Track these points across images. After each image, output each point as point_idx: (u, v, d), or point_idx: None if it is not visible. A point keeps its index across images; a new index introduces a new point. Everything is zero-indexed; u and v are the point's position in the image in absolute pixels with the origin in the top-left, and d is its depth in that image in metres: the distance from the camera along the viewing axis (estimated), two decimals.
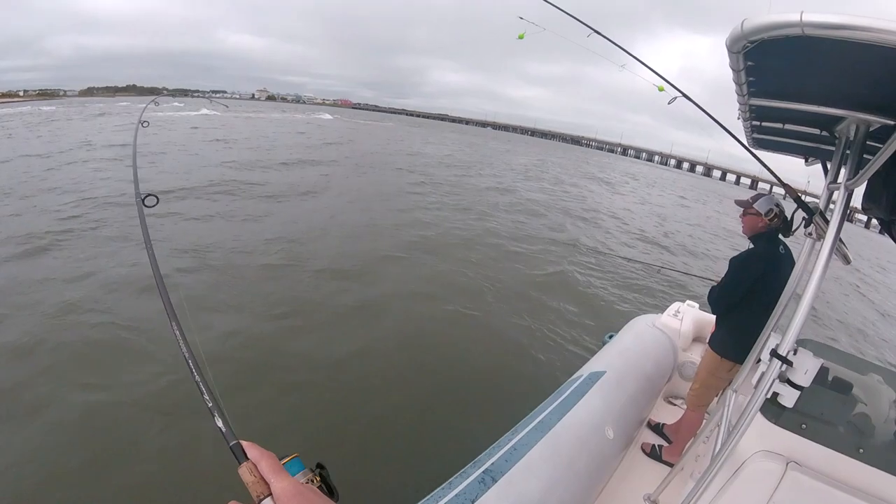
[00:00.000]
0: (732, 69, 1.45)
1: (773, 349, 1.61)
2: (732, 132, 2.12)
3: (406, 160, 24.06)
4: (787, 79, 1.55)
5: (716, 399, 3.22)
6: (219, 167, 15.98)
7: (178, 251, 7.55)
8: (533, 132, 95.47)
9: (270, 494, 0.62)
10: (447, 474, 2.21)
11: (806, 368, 1.57)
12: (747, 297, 2.80)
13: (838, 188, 1.72)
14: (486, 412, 4.26)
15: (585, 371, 3.25)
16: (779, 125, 2.18)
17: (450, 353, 5.51)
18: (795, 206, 2.01)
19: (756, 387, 1.67)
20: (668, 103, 2.11)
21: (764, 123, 2.21)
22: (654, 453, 3.33)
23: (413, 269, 8.17)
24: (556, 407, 2.74)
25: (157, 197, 1.75)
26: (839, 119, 1.79)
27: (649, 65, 2.29)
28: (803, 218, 1.96)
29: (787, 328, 1.61)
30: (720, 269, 3.60)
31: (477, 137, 59.13)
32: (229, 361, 4.70)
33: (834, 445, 1.66)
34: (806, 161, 2.73)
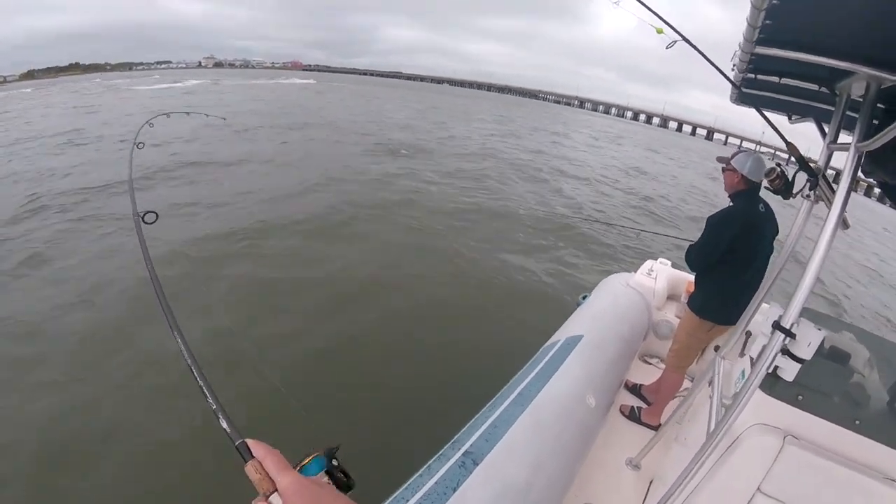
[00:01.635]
0: (754, 7, 1.32)
1: (775, 321, 1.54)
2: (734, 81, 1.97)
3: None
4: (806, 25, 1.44)
5: (695, 360, 3.21)
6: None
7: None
8: (490, 87, 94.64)
9: (276, 490, 0.63)
10: (425, 455, 2.10)
11: (809, 341, 1.53)
12: (726, 257, 2.72)
13: (845, 149, 1.62)
14: (461, 384, 4.13)
15: (562, 336, 3.17)
16: (775, 79, 2.06)
17: (418, 323, 5.37)
18: (797, 166, 1.87)
19: (756, 360, 1.61)
20: (667, 47, 1.96)
21: (759, 76, 2.08)
22: (633, 415, 3.31)
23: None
24: (536, 376, 2.64)
25: (156, 213, 1.69)
26: (844, 75, 1.68)
27: (647, 4, 2.08)
28: (807, 180, 1.83)
29: (791, 299, 1.54)
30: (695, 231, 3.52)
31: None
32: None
33: (830, 417, 1.62)
34: (790, 118, 2.64)
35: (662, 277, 4.18)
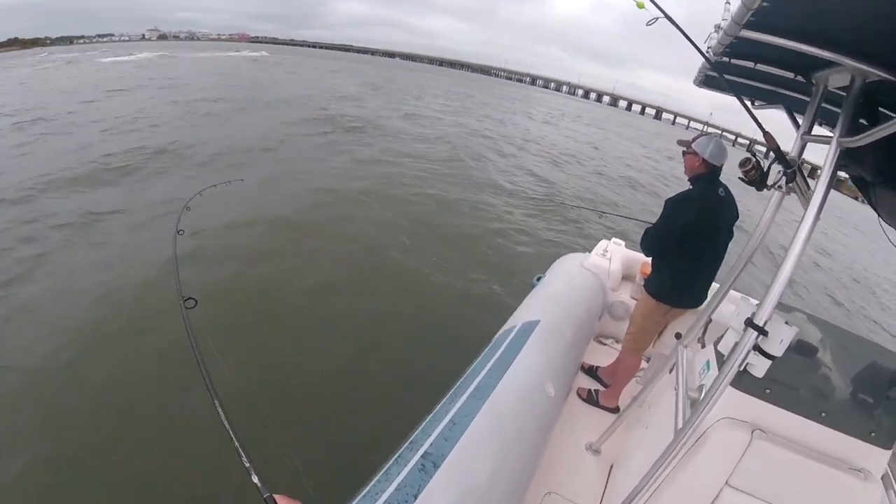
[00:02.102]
0: None
1: (748, 318, 1.53)
2: (709, 63, 1.89)
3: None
4: (800, 12, 1.37)
5: (652, 343, 3.22)
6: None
7: None
8: (441, 62, 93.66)
9: None
10: (381, 457, 2.01)
11: (781, 338, 1.52)
12: (683, 241, 2.70)
13: (821, 141, 1.64)
14: (415, 375, 4.02)
15: (518, 321, 3.11)
16: (749, 64, 2.00)
17: (365, 311, 5.19)
18: (773, 157, 1.82)
19: (728, 358, 1.60)
20: (647, 24, 1.85)
21: (732, 60, 2.02)
22: (590, 398, 3.31)
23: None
24: (493, 366, 2.57)
25: (195, 300, 1.74)
26: (824, 65, 1.67)
27: None
28: (784, 173, 1.77)
29: (764, 295, 1.53)
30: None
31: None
32: None
33: (797, 410, 1.64)
34: (752, 104, 2.59)
35: (617, 258, 4.16)
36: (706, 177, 2.70)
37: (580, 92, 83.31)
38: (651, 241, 2.84)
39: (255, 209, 7.37)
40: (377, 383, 4.03)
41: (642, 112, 75.12)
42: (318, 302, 5.24)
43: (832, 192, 1.52)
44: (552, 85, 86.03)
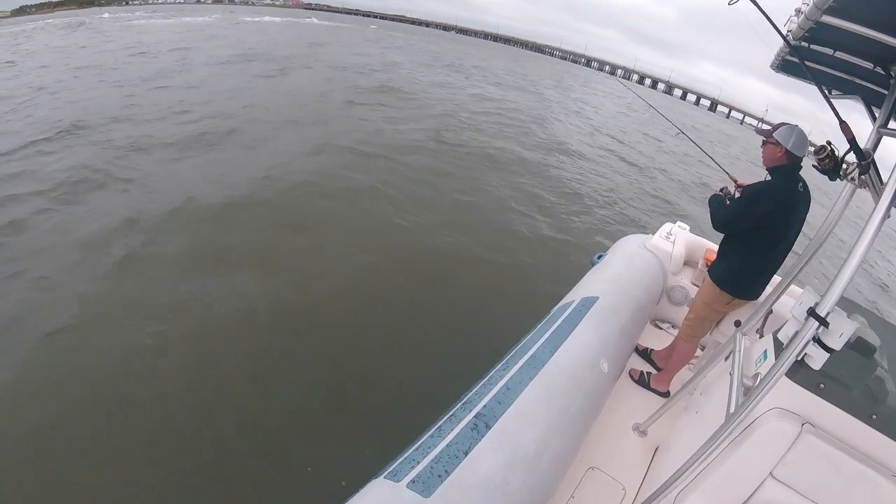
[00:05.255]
0: None
1: (811, 308, 1.52)
2: (790, 46, 1.88)
3: None
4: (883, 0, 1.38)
5: (709, 331, 3.18)
6: None
7: None
8: (497, 38, 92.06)
9: None
10: (434, 412, 2.10)
11: (841, 332, 1.51)
12: (755, 232, 2.64)
13: None
14: (471, 342, 4.15)
15: (577, 296, 3.10)
16: (829, 51, 1.96)
17: (426, 278, 5.30)
18: (848, 147, 1.80)
19: (787, 346, 1.60)
20: (729, 4, 1.83)
21: (812, 46, 1.99)
22: (642, 380, 3.32)
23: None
24: (549, 338, 2.57)
25: None
26: None
27: None
28: (857, 164, 1.76)
29: (829, 287, 1.51)
30: None
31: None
32: None
33: (849, 409, 1.62)
34: (829, 93, 2.52)
35: (680, 242, 4.06)
36: (787, 169, 2.59)
37: (635, 77, 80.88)
38: (724, 219, 2.74)
39: None
40: (430, 347, 4.20)
41: (697, 103, 72.34)
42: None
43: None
44: (607, 68, 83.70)
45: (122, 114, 9.82)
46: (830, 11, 1.46)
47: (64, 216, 5.68)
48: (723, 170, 3.52)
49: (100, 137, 8.32)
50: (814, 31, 1.70)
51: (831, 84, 2.43)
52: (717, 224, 2.79)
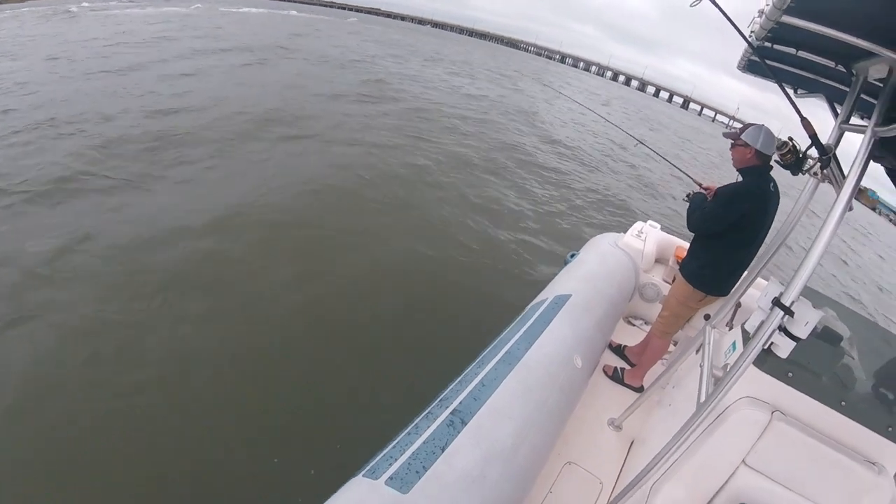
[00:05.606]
0: None
1: (776, 298, 1.57)
2: (752, 48, 1.92)
3: None
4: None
5: (681, 327, 3.26)
6: None
7: None
8: (472, 32, 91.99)
9: None
10: (410, 411, 2.12)
11: (806, 320, 1.55)
12: (729, 231, 2.69)
13: (859, 130, 1.65)
14: (447, 340, 4.16)
15: (550, 294, 3.16)
16: (791, 50, 2.02)
17: (400, 275, 5.31)
18: (809, 142, 1.86)
19: (753, 336, 1.64)
20: (691, 5, 1.87)
21: (774, 46, 2.06)
22: (615, 376, 3.38)
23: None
24: (524, 335, 2.62)
25: None
26: (864, 55, 1.69)
27: None
28: (819, 158, 1.82)
29: (793, 277, 1.56)
30: None
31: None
32: None
33: (818, 396, 1.66)
34: (795, 92, 2.59)
35: (651, 240, 4.17)
36: (759, 169, 2.63)
37: (609, 74, 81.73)
38: (701, 221, 2.77)
39: None
40: (406, 345, 4.22)
41: (669, 100, 73.51)
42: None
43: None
44: (581, 64, 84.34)
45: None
46: (790, 11, 1.49)
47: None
48: (686, 175, 3.58)
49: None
50: (776, 31, 1.74)
51: (796, 83, 2.49)
52: (693, 225, 2.84)
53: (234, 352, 3.80)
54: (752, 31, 1.91)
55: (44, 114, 8.27)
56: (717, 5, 1.84)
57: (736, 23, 1.85)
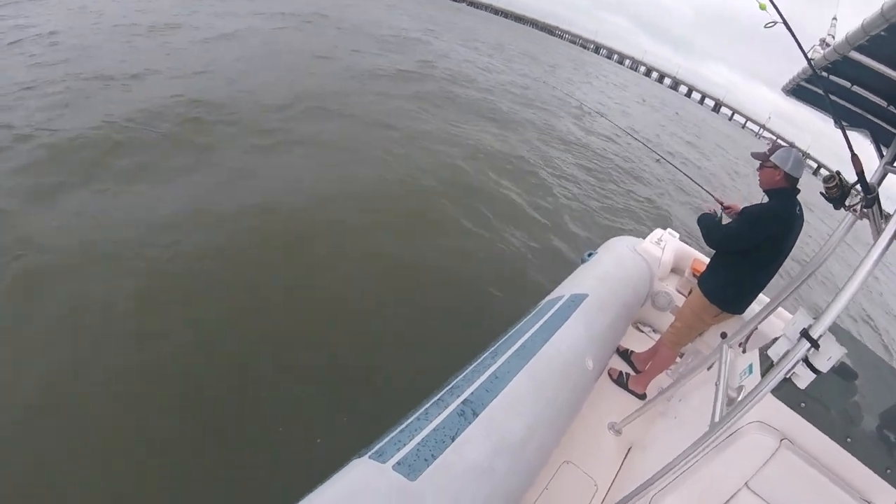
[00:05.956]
0: (882, 16, 1.31)
1: (804, 329, 1.57)
2: (814, 73, 1.92)
3: None
4: None
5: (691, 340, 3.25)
6: None
7: None
8: (507, 14, 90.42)
9: None
10: (417, 394, 2.14)
11: (829, 355, 1.56)
12: (751, 251, 2.68)
13: None
14: (459, 329, 4.18)
15: (566, 291, 3.15)
16: (846, 84, 2.00)
17: (416, 263, 5.26)
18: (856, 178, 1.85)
19: (777, 364, 1.65)
20: (766, 26, 1.87)
21: (831, 76, 2.02)
22: (620, 380, 3.39)
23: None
24: (538, 330, 2.62)
25: None
26: None
27: None
28: (863, 196, 1.82)
29: (824, 311, 1.56)
30: None
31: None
32: None
33: (826, 430, 1.67)
34: (836, 123, 2.56)
35: (670, 249, 4.14)
36: (786, 192, 2.61)
37: (642, 69, 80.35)
38: (723, 240, 2.76)
39: None
40: (411, 331, 4.22)
41: (701, 102, 72.35)
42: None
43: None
44: (615, 56, 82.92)
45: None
46: (862, 49, 1.50)
47: None
48: (709, 193, 3.55)
49: None
50: (837, 64, 1.74)
51: (842, 115, 2.44)
52: (714, 242, 2.82)
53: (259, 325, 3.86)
54: (811, 59, 1.90)
55: None
56: (791, 33, 1.82)
57: (804, 48, 1.83)
